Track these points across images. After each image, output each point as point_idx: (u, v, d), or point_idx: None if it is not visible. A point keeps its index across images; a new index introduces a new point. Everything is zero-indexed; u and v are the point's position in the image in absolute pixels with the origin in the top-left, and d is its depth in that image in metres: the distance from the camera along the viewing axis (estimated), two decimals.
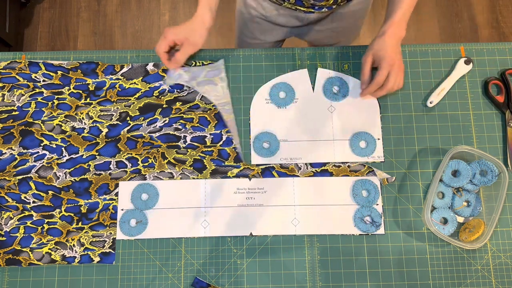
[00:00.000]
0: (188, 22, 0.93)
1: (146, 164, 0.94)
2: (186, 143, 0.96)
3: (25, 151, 0.95)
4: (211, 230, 0.91)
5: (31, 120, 0.96)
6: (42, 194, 0.93)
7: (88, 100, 0.98)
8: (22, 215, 0.92)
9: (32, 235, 0.91)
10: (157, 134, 0.96)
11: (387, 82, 0.89)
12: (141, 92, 0.98)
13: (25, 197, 0.92)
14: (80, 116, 0.97)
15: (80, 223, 0.92)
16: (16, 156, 0.94)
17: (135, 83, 0.99)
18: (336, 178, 0.94)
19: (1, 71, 0.99)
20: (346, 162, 0.95)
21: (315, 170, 0.94)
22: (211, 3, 0.94)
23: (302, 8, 1.05)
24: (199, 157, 0.95)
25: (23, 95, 0.98)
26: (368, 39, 1.99)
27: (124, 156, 0.95)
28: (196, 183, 0.94)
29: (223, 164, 0.95)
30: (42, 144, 0.95)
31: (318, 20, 1.11)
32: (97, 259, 0.90)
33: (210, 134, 0.96)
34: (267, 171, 0.94)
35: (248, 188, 0.93)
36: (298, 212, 0.92)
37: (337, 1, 1.04)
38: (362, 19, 1.19)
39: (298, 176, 0.94)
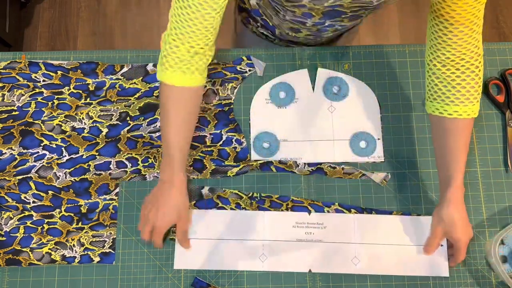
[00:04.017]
0: (171, 199, 0.85)
1: (146, 164, 0.94)
2: None
3: (25, 151, 0.95)
4: (270, 264, 0.89)
5: (31, 120, 0.96)
6: (42, 194, 0.93)
7: (88, 100, 0.98)
8: (22, 215, 0.92)
9: (32, 235, 0.91)
10: (157, 134, 0.96)
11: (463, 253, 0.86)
12: (141, 92, 0.98)
13: (25, 197, 0.92)
14: (80, 116, 0.97)
15: (80, 223, 0.92)
16: (16, 156, 0.94)
17: (135, 83, 0.99)
18: (398, 217, 0.91)
19: (1, 71, 0.99)
20: (345, 162, 0.95)
21: (311, 169, 0.94)
22: (185, 159, 0.86)
23: (293, 46, 1.07)
24: (199, 157, 0.95)
25: (23, 95, 0.98)
26: (368, 38, 1.99)
27: (124, 156, 0.95)
28: (254, 215, 0.91)
29: (223, 164, 0.94)
30: (42, 144, 0.95)
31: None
32: (97, 259, 0.90)
33: (210, 134, 0.96)
34: (265, 166, 0.94)
35: (308, 222, 0.91)
36: (359, 250, 0.90)
37: (328, 40, 1.05)
38: (353, 39, 1.19)
39: (295, 172, 0.94)
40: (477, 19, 0.76)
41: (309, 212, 0.92)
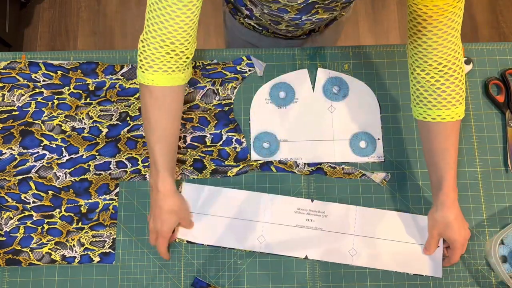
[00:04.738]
0: (164, 205, 0.84)
1: (146, 164, 0.94)
2: (186, 143, 0.96)
3: (25, 151, 0.95)
4: (267, 246, 0.90)
5: (31, 120, 0.96)
6: (42, 194, 0.93)
7: (88, 100, 0.98)
8: (22, 215, 0.92)
9: (32, 235, 0.91)
10: None
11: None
12: None
13: (25, 197, 0.92)
14: (80, 116, 0.97)
15: (80, 223, 0.92)
16: (16, 156, 0.94)
17: (135, 83, 0.99)
18: (399, 214, 0.91)
19: (1, 71, 0.99)
20: (345, 162, 0.95)
21: (311, 169, 0.94)
22: (171, 161, 0.85)
23: (280, 37, 1.07)
24: (199, 157, 0.95)
25: (23, 95, 0.98)
26: (368, 39, 1.99)
27: (124, 156, 0.95)
28: (257, 196, 0.92)
29: (223, 164, 0.95)
30: (42, 144, 0.95)
31: (298, 43, 1.12)
32: (97, 259, 0.90)
33: (210, 134, 0.96)
34: (265, 166, 0.94)
35: (309, 209, 0.92)
36: (357, 242, 0.90)
37: (314, 30, 1.05)
38: (342, 30, 1.18)
39: (295, 172, 0.94)
40: (453, 22, 0.75)
41: (312, 199, 0.92)
